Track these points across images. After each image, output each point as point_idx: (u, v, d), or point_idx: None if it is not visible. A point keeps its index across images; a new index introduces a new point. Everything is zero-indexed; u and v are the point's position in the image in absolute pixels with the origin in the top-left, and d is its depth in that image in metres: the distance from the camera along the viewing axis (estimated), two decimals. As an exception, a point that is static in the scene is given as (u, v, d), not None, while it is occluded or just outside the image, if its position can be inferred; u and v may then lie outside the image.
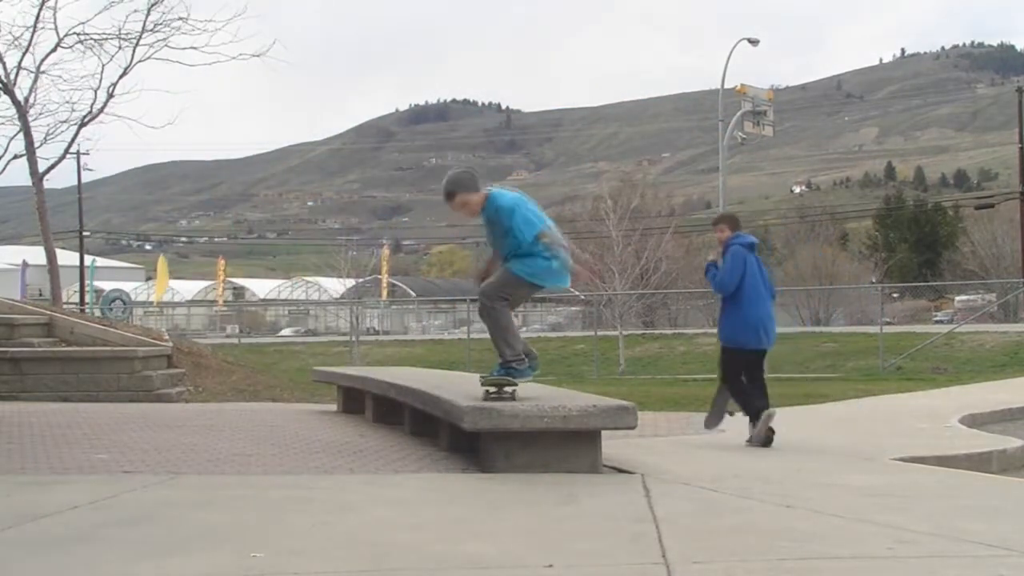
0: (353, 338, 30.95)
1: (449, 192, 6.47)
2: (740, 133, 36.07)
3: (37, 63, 18.74)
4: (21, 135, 18.85)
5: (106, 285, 54.36)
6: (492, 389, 6.35)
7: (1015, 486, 6.47)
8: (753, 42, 38.65)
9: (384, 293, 65.49)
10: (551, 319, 56.74)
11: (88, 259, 56.57)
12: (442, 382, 8.06)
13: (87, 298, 49.53)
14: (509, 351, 6.38)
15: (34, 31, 18.55)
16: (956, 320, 36.19)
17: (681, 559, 3.94)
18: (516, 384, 6.35)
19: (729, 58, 37.52)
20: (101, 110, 19.05)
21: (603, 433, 6.33)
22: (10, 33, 18.74)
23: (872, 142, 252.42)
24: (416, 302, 63.90)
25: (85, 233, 54.78)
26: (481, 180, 6.59)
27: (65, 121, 19.39)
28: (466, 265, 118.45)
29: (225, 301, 72.25)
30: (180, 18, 18.65)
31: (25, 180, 19.35)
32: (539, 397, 6.54)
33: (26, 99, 18.65)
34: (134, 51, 18.94)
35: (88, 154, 48.02)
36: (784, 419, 11.48)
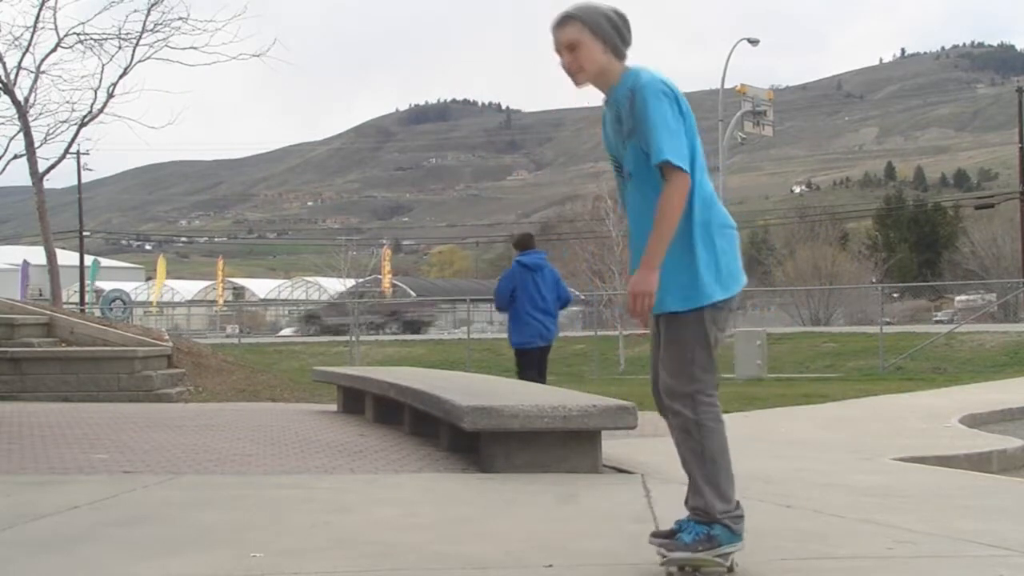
0: (353, 338, 30.94)
1: (564, 15, 3.72)
2: (740, 133, 36.09)
3: (37, 63, 18.77)
4: (21, 135, 18.87)
5: (106, 285, 54.36)
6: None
7: (1015, 486, 6.47)
8: (753, 42, 38.68)
9: (385, 293, 65.46)
10: (551, 319, 56.66)
11: (89, 259, 56.56)
12: (442, 382, 8.06)
13: (87, 298, 49.52)
14: (720, 501, 3.57)
15: (34, 31, 18.58)
16: (956, 320, 36.16)
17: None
18: (725, 567, 3.56)
19: (729, 58, 37.59)
20: (101, 110, 19.07)
21: (603, 433, 6.33)
22: (10, 33, 18.77)
23: (872, 142, 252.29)
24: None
25: (85, 233, 54.77)
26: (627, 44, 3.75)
27: (65, 121, 19.42)
28: (466, 265, 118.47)
29: (225, 301, 72.23)
30: (180, 18, 18.68)
31: (25, 180, 19.36)
32: (539, 397, 6.55)
33: (26, 99, 18.66)
34: (134, 51, 18.97)
35: (88, 154, 48.07)
36: (784, 419, 11.49)
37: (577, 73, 3.70)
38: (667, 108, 3.52)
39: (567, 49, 3.68)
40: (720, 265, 3.56)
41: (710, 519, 3.58)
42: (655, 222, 3.46)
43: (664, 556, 3.59)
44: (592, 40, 3.66)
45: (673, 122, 3.50)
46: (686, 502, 3.66)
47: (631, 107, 3.57)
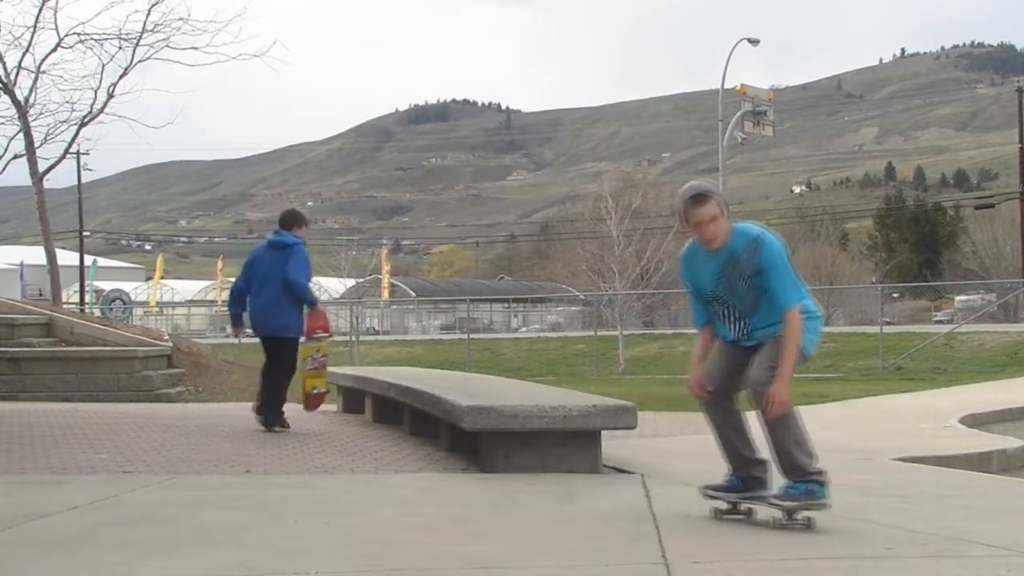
0: (353, 338, 30.92)
1: (701, 195, 4.74)
2: (740, 133, 36.07)
3: (37, 63, 18.73)
4: (21, 135, 18.84)
5: (106, 285, 54.33)
6: (784, 517, 4.69)
7: (1015, 486, 6.47)
8: (753, 42, 38.67)
9: (384, 293, 65.43)
10: (551, 319, 56.67)
11: (89, 259, 56.54)
12: (442, 382, 8.06)
13: (87, 298, 49.51)
14: (809, 459, 4.74)
15: (34, 31, 18.54)
16: (956, 320, 36.14)
17: (681, 559, 3.94)
18: (825, 506, 4.69)
19: (729, 58, 37.58)
20: (101, 110, 19.04)
21: (603, 433, 6.33)
22: (10, 33, 18.74)
23: (872, 142, 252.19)
24: (416, 302, 63.81)
25: (85, 233, 54.74)
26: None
27: (65, 121, 19.37)
28: (466, 265, 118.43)
29: (224, 301, 72.21)
30: (180, 19, 18.64)
31: (25, 180, 19.34)
32: (539, 397, 6.55)
33: (26, 99, 18.64)
34: (134, 51, 18.92)
35: (88, 154, 47.99)
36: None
37: (714, 239, 4.75)
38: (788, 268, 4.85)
39: (709, 221, 4.71)
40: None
41: (807, 477, 4.69)
42: (786, 348, 4.72)
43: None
44: (722, 214, 4.74)
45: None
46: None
47: (755, 255, 4.74)
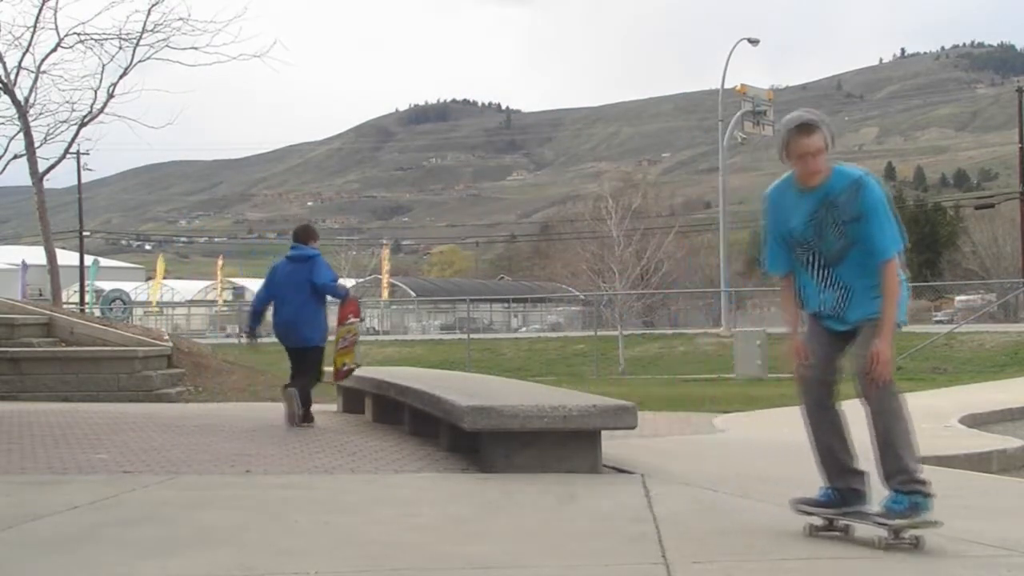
0: (353, 338, 30.86)
1: (809, 123, 4.34)
2: (740, 133, 36.08)
3: (37, 63, 18.73)
4: (21, 135, 18.85)
5: (106, 285, 54.35)
6: (890, 536, 4.21)
7: (1015, 486, 6.48)
8: (753, 42, 38.72)
9: (384, 293, 65.43)
10: (551, 319, 56.63)
11: (90, 259, 56.55)
12: (442, 382, 8.06)
13: (87, 298, 49.51)
14: (916, 464, 4.29)
15: (34, 31, 18.55)
16: (956, 320, 36.13)
17: (681, 559, 3.94)
18: (935, 522, 4.21)
19: (729, 58, 37.61)
20: (101, 110, 19.04)
21: (603, 433, 6.33)
22: (10, 33, 18.74)
23: (872, 142, 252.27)
24: (416, 302, 63.80)
25: (85, 233, 54.74)
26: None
27: (65, 121, 19.38)
28: (466, 265, 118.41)
29: (225, 301, 72.18)
30: (180, 19, 18.64)
31: (25, 180, 19.35)
32: (539, 397, 6.54)
33: (26, 99, 18.64)
34: (134, 51, 18.93)
35: (88, 154, 47.98)
36: (785, 419, 11.49)
37: (816, 174, 4.34)
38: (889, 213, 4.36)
39: (815, 154, 4.31)
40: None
41: (911, 484, 4.22)
42: (887, 302, 4.39)
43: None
44: (826, 147, 4.34)
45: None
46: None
47: (855, 198, 4.30)
